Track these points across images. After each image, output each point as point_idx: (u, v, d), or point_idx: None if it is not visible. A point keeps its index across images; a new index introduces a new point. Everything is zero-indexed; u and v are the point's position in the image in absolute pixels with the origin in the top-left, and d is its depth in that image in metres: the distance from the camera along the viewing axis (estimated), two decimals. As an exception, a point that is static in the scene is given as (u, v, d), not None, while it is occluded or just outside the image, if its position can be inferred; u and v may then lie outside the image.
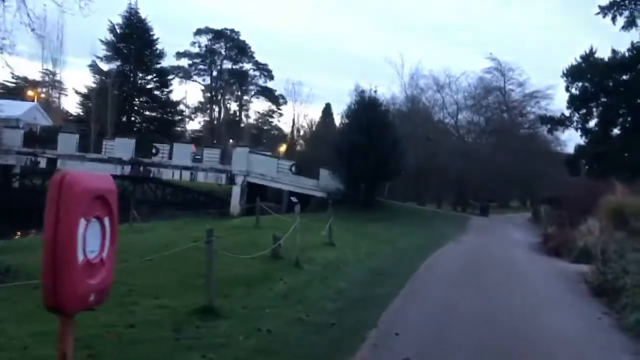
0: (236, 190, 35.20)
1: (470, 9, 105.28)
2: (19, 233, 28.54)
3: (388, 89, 56.72)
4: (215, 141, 66.95)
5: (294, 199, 34.55)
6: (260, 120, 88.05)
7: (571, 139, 47.50)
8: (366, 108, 33.34)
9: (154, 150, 36.88)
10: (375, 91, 34.22)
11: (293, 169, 36.28)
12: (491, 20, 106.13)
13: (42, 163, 36.42)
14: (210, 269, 8.14)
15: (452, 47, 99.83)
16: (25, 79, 59.58)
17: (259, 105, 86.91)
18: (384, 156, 31.85)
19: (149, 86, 62.87)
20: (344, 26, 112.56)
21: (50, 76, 61.88)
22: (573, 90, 34.26)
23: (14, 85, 62.96)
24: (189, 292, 9.13)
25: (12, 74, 56.54)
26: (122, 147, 36.50)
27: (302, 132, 77.38)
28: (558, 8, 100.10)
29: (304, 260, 14.31)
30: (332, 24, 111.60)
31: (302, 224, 21.72)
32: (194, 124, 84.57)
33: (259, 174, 35.47)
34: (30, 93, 61.02)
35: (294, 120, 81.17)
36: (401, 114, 53.57)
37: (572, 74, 33.79)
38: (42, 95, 63.14)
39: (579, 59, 33.87)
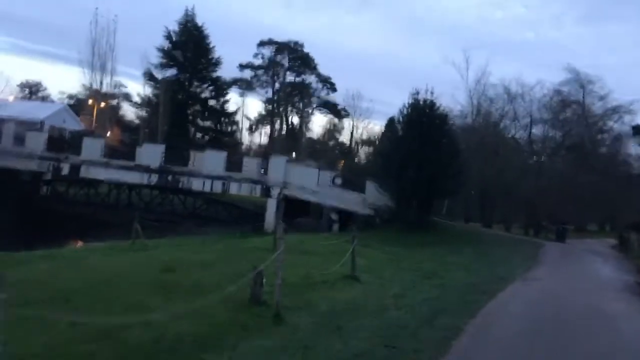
0: (271, 204, 31.02)
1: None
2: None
3: (452, 98, 50.95)
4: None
5: (333, 216, 30.21)
6: (326, 135, 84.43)
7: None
8: (421, 113, 28.53)
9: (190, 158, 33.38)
10: (432, 92, 29.25)
11: (336, 181, 31.74)
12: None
13: (65, 169, 33.42)
14: None
15: (519, 62, 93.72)
16: (89, 88, 58.16)
17: (321, 119, 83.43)
18: (440, 168, 27.02)
19: (203, 95, 60.78)
20: (408, 43, 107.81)
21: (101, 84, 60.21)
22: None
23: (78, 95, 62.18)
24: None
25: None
26: (151, 153, 33.08)
27: (361, 146, 73.66)
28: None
29: (297, 307, 9.94)
30: (399, 42, 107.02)
31: (333, 246, 17.44)
32: (257, 137, 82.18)
33: (297, 187, 31.19)
34: (90, 102, 59.44)
35: (352, 133, 77.84)
36: (466, 124, 48.53)
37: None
38: (102, 105, 61.64)
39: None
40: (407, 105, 29.33)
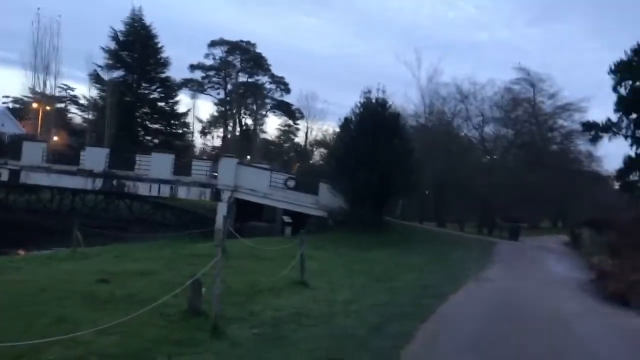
0: (222, 208, 30.08)
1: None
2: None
3: (405, 98, 50.83)
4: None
5: (286, 219, 29.50)
6: (282, 137, 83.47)
7: (610, 154, 41.88)
8: (373, 111, 28.11)
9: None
10: (384, 91, 28.84)
11: (288, 183, 31.05)
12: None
13: (4, 175, 31.75)
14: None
15: (471, 62, 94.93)
16: (33, 90, 55.71)
17: (275, 121, 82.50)
18: (393, 168, 26.62)
19: (152, 96, 59.26)
20: (362, 43, 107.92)
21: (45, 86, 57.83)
22: (622, 90, 28.47)
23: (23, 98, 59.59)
24: None
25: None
26: (95, 157, 31.75)
27: (316, 148, 73.24)
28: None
29: (239, 317, 9.30)
30: (353, 43, 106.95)
31: (285, 250, 16.75)
32: (209, 139, 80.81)
33: (248, 189, 30.33)
34: (34, 105, 56.97)
35: (306, 134, 77.38)
36: (419, 124, 48.55)
37: (621, 70, 28.06)
38: (48, 108, 59.24)
39: (629, 53, 28.19)
40: (359, 104, 28.91)
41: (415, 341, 8.07)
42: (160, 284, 11.61)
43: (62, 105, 66.12)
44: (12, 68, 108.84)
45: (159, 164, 31.21)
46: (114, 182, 31.27)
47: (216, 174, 31.92)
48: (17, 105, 63.21)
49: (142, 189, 31.21)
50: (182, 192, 31.28)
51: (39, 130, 51.41)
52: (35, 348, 6.51)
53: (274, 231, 31.49)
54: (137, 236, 27.53)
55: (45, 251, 22.06)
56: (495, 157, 51.07)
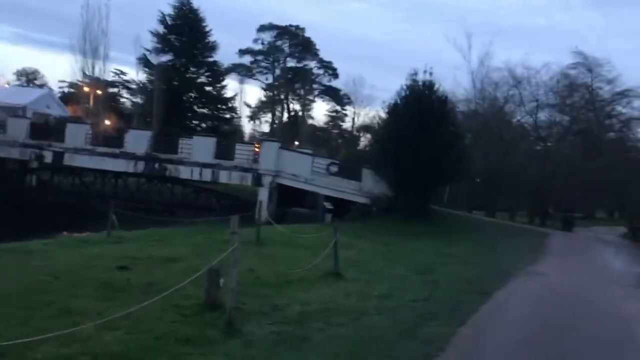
0: (263, 193, 29.51)
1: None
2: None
3: (455, 83, 48.89)
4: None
5: (328, 205, 28.66)
6: (330, 123, 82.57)
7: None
8: (419, 94, 26.87)
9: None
10: (431, 73, 27.48)
11: (330, 168, 30.16)
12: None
13: (48, 157, 31.95)
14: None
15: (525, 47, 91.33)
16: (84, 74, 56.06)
17: (323, 106, 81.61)
18: (440, 154, 25.40)
19: (199, 80, 59.23)
20: (412, 28, 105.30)
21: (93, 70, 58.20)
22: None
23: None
24: None
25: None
26: (137, 140, 31.59)
27: (363, 133, 72.01)
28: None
29: (261, 312, 8.58)
30: (399, 27, 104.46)
31: (322, 237, 15.93)
32: (258, 125, 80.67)
33: (290, 174, 29.66)
34: (85, 89, 57.58)
35: (353, 120, 76.30)
36: (469, 109, 46.84)
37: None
38: (99, 92, 59.85)
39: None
40: (405, 86, 27.68)
41: (450, 349, 7.09)
42: (184, 271, 10.89)
43: (115, 89, 66.56)
44: (64, 53, 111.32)
45: (200, 147, 30.83)
46: (156, 165, 31.07)
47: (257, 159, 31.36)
48: (72, 90, 63.97)
49: (184, 173, 30.92)
50: (223, 177, 30.81)
51: (88, 114, 51.90)
52: (25, 344, 5.85)
53: (316, 218, 30.69)
54: (179, 220, 27.26)
55: (83, 234, 21.92)
56: (549, 144, 48.83)
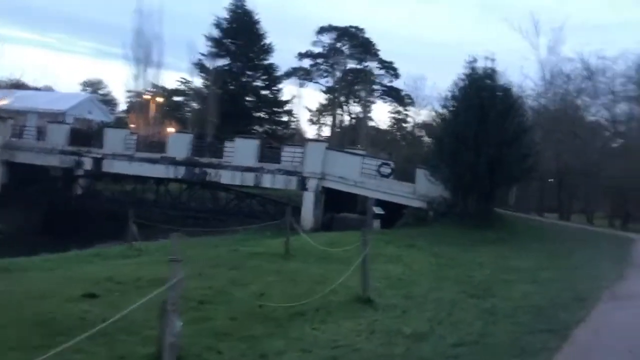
0: (308, 198, 27.18)
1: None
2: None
3: (522, 76, 45.17)
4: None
5: (377, 210, 25.93)
6: (394, 125, 79.94)
7: None
8: (479, 84, 23.85)
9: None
10: (492, 60, 24.37)
11: (382, 169, 27.46)
12: None
13: (88, 163, 30.75)
14: None
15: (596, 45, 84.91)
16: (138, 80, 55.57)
17: (384, 108, 79.07)
18: (504, 150, 22.35)
19: (255, 84, 57.97)
20: (481, 29, 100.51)
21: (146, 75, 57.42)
22: None
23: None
24: None
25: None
26: (178, 144, 29.93)
27: (422, 133, 68.87)
28: None
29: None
30: (467, 27, 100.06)
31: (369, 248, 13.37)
32: (318, 129, 78.94)
33: (337, 177, 27.18)
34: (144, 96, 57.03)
35: (415, 120, 73.57)
36: (538, 104, 43.19)
37: None
38: (158, 99, 59.30)
39: None
40: (462, 75, 24.68)
41: None
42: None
43: (180, 98, 65.72)
44: (118, 61, 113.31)
45: (242, 150, 28.78)
46: (196, 170, 29.29)
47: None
48: (137, 99, 63.70)
49: (225, 178, 28.95)
50: (266, 181, 28.62)
51: (149, 121, 51.21)
52: None
53: (367, 224, 28.13)
54: (214, 230, 25.27)
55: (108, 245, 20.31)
56: (629, 140, 44.41)
